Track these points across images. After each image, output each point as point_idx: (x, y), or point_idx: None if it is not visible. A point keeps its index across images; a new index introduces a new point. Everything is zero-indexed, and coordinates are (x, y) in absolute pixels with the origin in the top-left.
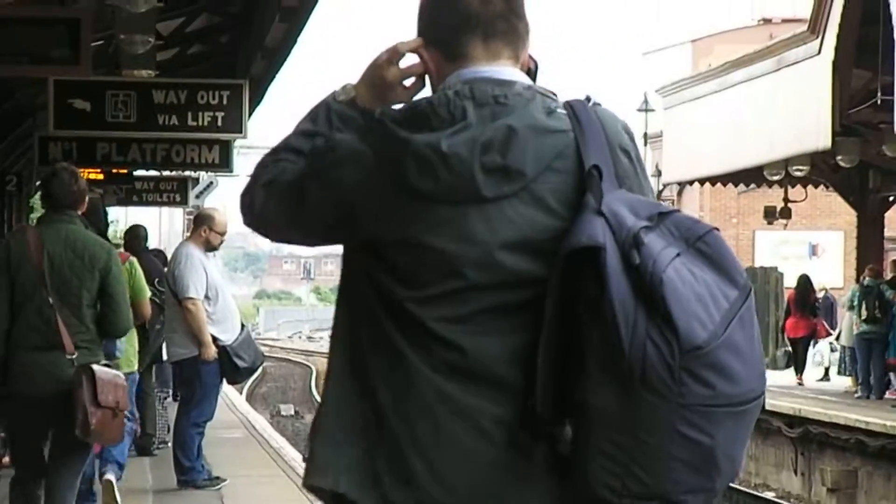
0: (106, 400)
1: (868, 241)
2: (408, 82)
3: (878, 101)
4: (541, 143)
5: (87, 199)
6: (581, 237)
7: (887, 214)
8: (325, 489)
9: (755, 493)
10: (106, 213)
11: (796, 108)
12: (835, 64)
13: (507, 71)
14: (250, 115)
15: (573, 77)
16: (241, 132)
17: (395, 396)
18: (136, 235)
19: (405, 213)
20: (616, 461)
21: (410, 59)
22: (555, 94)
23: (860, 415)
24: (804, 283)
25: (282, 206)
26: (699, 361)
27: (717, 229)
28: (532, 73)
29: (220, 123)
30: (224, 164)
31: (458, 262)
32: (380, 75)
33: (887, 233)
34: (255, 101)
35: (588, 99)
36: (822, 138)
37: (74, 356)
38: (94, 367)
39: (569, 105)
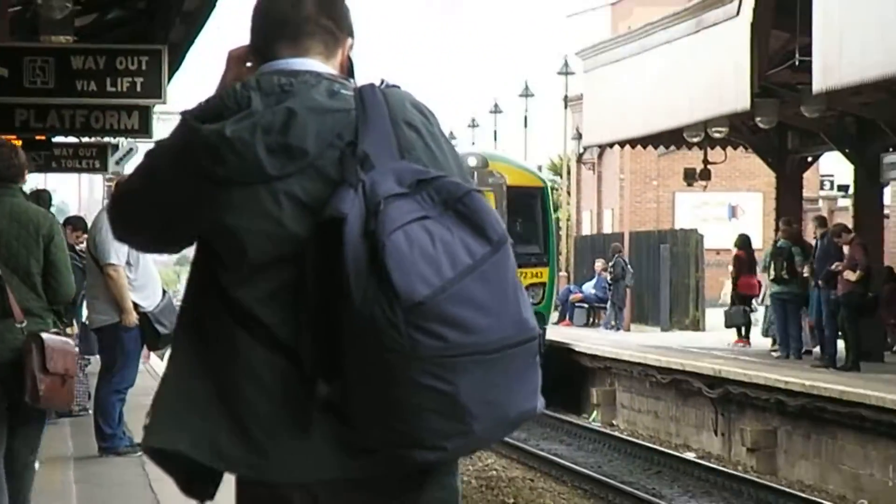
0: (55, 367)
1: (786, 202)
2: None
3: (797, 62)
4: (321, 122)
5: (26, 171)
6: (328, 208)
7: (805, 175)
8: (167, 449)
9: (676, 453)
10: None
11: (715, 69)
12: (753, 25)
13: (301, 62)
14: (169, 80)
15: (497, 40)
16: (160, 98)
17: (223, 366)
18: (39, 199)
19: (208, 199)
20: (373, 414)
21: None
22: (347, 81)
23: (779, 375)
24: (748, 242)
25: (126, 215)
26: (424, 316)
27: (479, 191)
28: (349, 69)
29: (139, 89)
30: (143, 130)
31: (255, 239)
32: (222, 81)
33: (806, 193)
34: (175, 66)
35: (382, 81)
36: (740, 100)
37: (23, 324)
38: (44, 334)
39: (358, 88)
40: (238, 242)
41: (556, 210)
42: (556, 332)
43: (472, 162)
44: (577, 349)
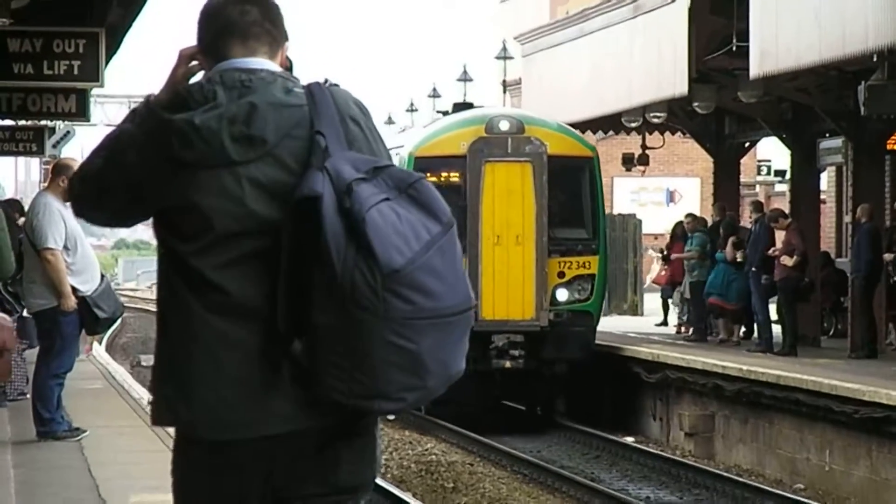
0: None
1: (724, 187)
2: (193, 80)
3: (734, 48)
4: (279, 115)
5: None
6: (304, 189)
7: (742, 160)
8: (158, 424)
9: (614, 437)
10: None
11: (653, 55)
12: (691, 11)
13: (255, 61)
14: (107, 63)
15: (436, 24)
16: (97, 81)
17: (180, 334)
18: None
19: (177, 180)
20: (340, 368)
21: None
22: (297, 79)
23: (717, 359)
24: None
25: (91, 193)
26: (399, 282)
27: (425, 177)
28: (289, 68)
29: (76, 72)
30: (81, 113)
31: (219, 215)
32: (172, 75)
33: (743, 178)
34: (112, 49)
35: (325, 81)
36: (678, 85)
37: None
38: None
39: (307, 86)
40: (205, 218)
41: None
42: None
43: (504, 126)
44: None
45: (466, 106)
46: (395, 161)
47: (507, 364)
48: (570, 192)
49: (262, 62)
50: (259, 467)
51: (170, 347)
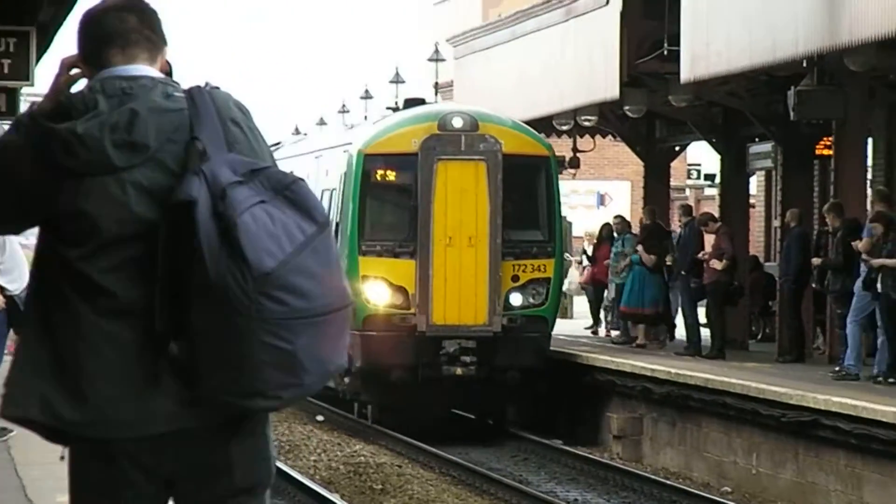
0: None
1: (654, 191)
2: (75, 88)
3: (665, 52)
4: (160, 120)
5: None
6: (179, 193)
7: (673, 164)
8: (16, 417)
9: (542, 440)
10: None
11: (585, 58)
12: (622, 14)
13: (135, 68)
14: (38, 62)
15: (368, 25)
16: (28, 80)
17: (68, 335)
18: None
19: (63, 188)
20: (218, 368)
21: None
22: (177, 83)
23: (646, 362)
24: (611, 231)
25: None
26: (271, 284)
27: (302, 180)
28: (169, 72)
29: (6, 71)
30: (10, 112)
31: (105, 220)
32: (54, 84)
33: (673, 182)
34: (43, 48)
35: (206, 84)
36: (609, 89)
37: None
38: None
39: (187, 90)
40: (91, 224)
41: None
42: None
43: (457, 123)
44: None
45: (418, 102)
46: (345, 158)
47: (458, 371)
48: (526, 193)
49: (143, 69)
50: (146, 465)
51: (55, 348)
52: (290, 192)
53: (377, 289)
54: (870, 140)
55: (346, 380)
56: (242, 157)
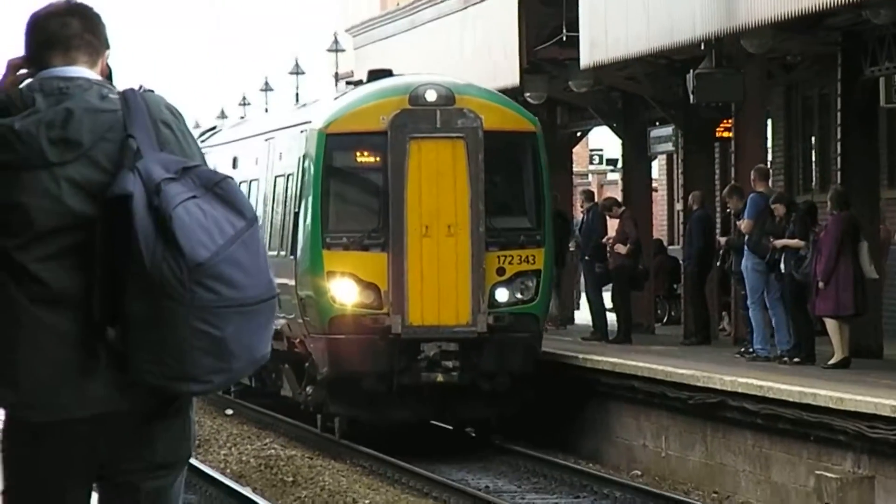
0: None
1: (556, 177)
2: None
3: (564, 38)
4: (94, 120)
5: None
6: (116, 188)
7: (575, 149)
8: None
9: (452, 428)
10: None
11: (485, 45)
12: (521, 1)
13: (74, 70)
14: None
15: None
16: None
17: (3, 323)
18: None
19: (0, 181)
20: (152, 353)
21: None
22: (113, 86)
23: (553, 348)
24: None
25: None
26: (204, 274)
27: (231, 178)
28: (109, 75)
29: None
30: None
31: (39, 213)
32: (0, 83)
33: (575, 167)
34: None
35: (140, 87)
36: (510, 76)
37: None
38: None
39: (122, 92)
40: (26, 216)
41: None
42: None
43: (431, 96)
44: None
45: (385, 73)
46: (303, 138)
47: (440, 377)
48: (511, 174)
49: (81, 70)
50: (81, 447)
51: None
52: (220, 188)
53: (344, 286)
54: (769, 121)
55: (309, 389)
56: (173, 156)
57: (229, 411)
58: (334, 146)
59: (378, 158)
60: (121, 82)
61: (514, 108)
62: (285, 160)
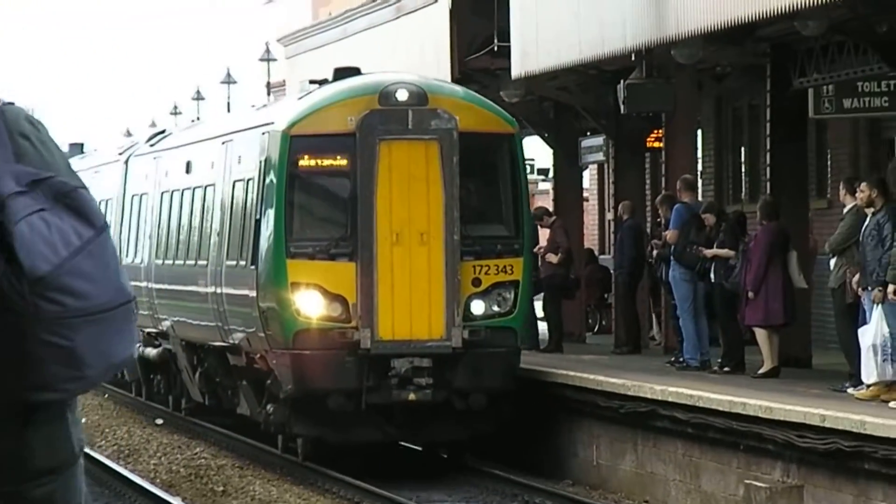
0: None
1: None
2: None
3: (496, 48)
4: None
5: None
6: None
7: None
8: None
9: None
10: None
11: (416, 55)
12: (452, 11)
13: None
14: None
15: (198, 26)
16: None
17: None
18: None
19: None
20: (6, 365)
21: None
22: None
23: None
24: None
25: None
26: (46, 287)
27: (84, 188)
28: None
29: None
30: None
31: None
32: None
33: None
34: None
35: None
36: None
37: None
38: None
39: None
40: None
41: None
42: None
43: (402, 96)
44: None
45: (352, 71)
46: (265, 141)
47: (412, 396)
48: (487, 179)
49: None
50: None
51: None
52: (70, 199)
53: (310, 298)
54: (699, 131)
55: (270, 408)
56: (27, 168)
57: (159, 421)
58: (298, 148)
59: (345, 161)
60: (38, 92)
61: (491, 109)
62: (245, 164)
